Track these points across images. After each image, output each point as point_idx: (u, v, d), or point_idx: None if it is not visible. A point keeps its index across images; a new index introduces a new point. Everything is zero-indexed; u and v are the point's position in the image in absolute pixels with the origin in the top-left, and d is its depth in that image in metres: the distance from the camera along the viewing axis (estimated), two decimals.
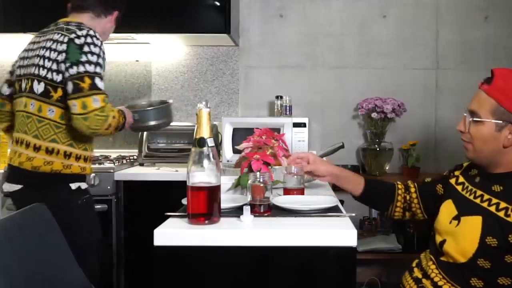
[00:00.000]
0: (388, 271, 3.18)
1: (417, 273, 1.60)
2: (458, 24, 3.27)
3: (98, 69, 1.87)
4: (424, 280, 1.55)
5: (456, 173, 1.67)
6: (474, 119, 1.49)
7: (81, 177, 2.00)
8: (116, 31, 2.92)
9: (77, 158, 1.98)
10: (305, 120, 2.88)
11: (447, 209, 1.58)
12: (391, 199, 1.77)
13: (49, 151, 1.92)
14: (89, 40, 1.89)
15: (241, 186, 1.76)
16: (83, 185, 2.01)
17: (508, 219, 1.41)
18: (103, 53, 1.94)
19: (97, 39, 1.93)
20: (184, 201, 1.49)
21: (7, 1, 2.93)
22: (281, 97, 3.13)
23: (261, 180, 1.50)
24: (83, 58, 1.85)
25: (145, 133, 2.92)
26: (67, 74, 1.86)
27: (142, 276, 2.75)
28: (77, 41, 1.88)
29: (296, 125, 2.86)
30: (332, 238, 1.34)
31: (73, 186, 1.96)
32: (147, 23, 2.92)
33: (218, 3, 2.91)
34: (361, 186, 1.75)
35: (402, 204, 1.76)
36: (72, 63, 1.85)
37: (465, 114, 1.53)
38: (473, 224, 1.46)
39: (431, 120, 3.30)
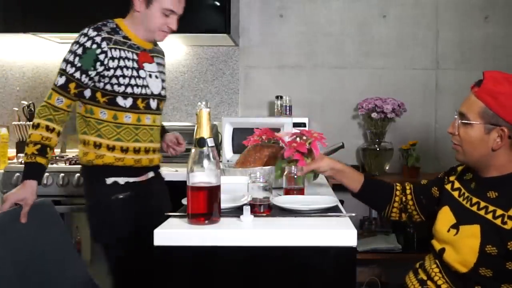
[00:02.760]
0: (388, 271, 3.18)
1: (422, 274, 1.59)
2: (458, 24, 3.27)
3: (63, 66, 1.86)
4: (429, 282, 1.55)
5: (451, 178, 1.66)
6: (463, 121, 1.50)
7: (118, 170, 1.90)
8: None
9: (109, 148, 1.90)
10: (305, 120, 2.88)
11: (445, 216, 1.57)
12: (388, 200, 1.77)
13: (84, 143, 1.92)
14: (76, 38, 1.88)
15: (275, 169, 1.85)
16: (121, 180, 1.91)
17: (505, 226, 1.40)
18: (83, 48, 1.85)
19: (84, 36, 1.86)
20: (184, 201, 1.49)
21: (8, 1, 2.92)
22: (281, 97, 3.13)
23: (294, 172, 1.70)
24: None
25: None
26: None
27: (142, 276, 2.74)
28: None
29: (296, 125, 2.85)
30: (332, 238, 1.34)
31: (108, 180, 1.89)
32: None
33: (218, 3, 2.91)
34: (359, 184, 1.76)
35: (399, 205, 1.77)
36: None
37: (455, 116, 1.54)
38: (472, 234, 1.45)
39: (431, 120, 3.31)
